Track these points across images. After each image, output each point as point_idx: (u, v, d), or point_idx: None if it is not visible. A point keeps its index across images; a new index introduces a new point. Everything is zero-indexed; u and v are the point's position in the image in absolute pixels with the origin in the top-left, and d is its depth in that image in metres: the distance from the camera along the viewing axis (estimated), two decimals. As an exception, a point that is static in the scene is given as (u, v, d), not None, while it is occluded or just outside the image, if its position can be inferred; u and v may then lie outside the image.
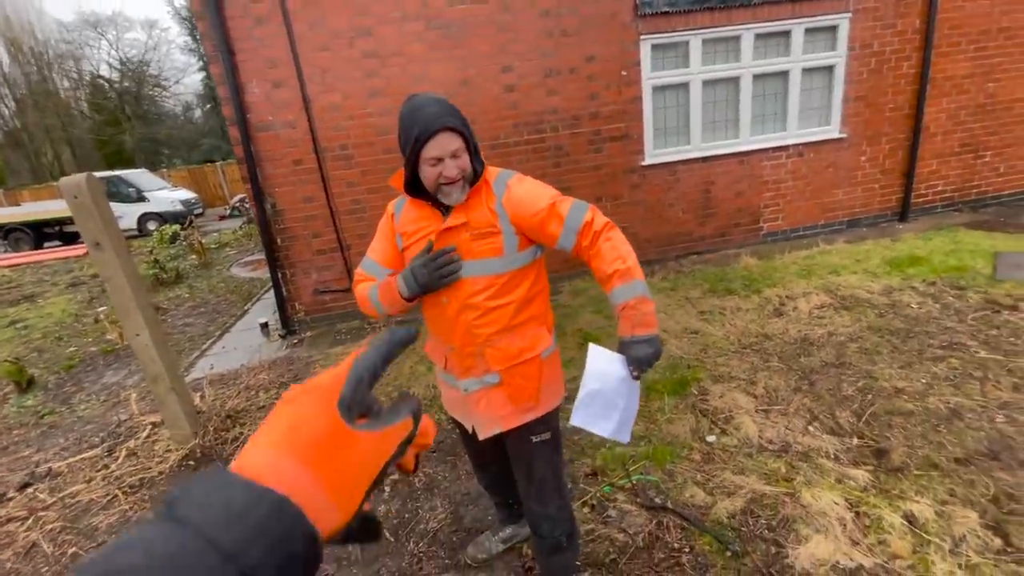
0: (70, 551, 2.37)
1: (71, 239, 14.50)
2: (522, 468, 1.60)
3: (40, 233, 14.32)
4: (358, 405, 0.37)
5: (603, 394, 1.36)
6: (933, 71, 5.31)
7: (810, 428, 2.55)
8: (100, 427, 3.56)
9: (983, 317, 3.38)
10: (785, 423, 2.60)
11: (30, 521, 2.60)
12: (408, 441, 0.39)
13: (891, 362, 3.02)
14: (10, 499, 2.82)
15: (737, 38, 4.98)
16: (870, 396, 2.73)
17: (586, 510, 2.22)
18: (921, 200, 5.83)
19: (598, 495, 2.30)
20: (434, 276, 1.34)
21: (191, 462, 2.91)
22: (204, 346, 4.91)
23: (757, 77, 5.15)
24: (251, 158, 4.37)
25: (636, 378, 1.35)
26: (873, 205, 5.79)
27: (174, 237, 10.30)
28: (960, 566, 1.74)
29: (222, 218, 16.31)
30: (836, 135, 5.42)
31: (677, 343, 3.58)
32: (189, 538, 0.26)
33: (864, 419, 2.56)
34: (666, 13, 4.70)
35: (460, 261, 1.36)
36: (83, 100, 32.23)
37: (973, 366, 2.87)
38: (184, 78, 33.51)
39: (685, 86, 5.06)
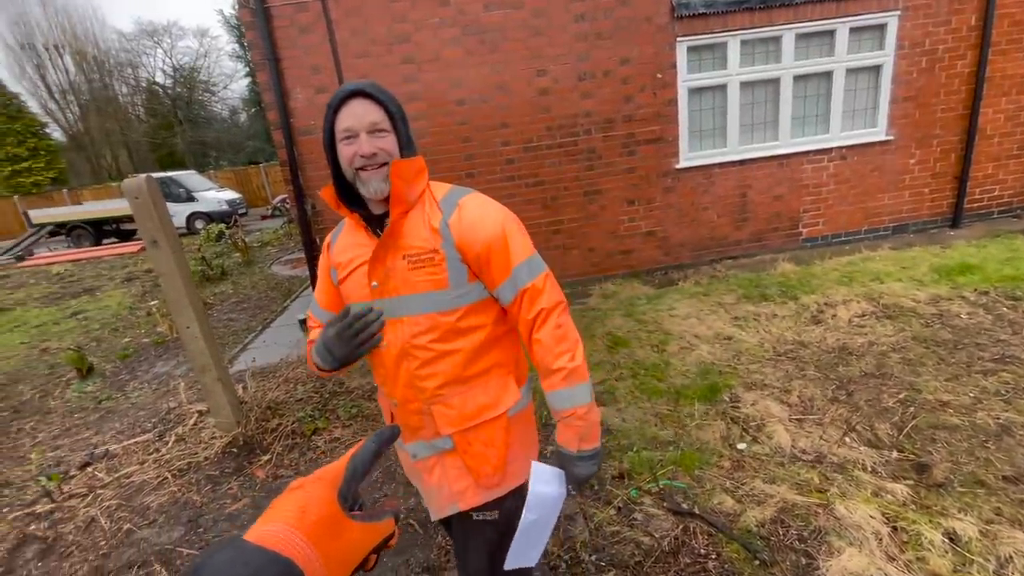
0: (125, 527, 2.54)
1: (127, 236, 15.38)
2: (458, 545, 1.32)
3: (99, 230, 15.24)
4: (351, 497, 0.45)
5: (540, 521, 1.13)
6: (990, 70, 5.05)
7: (847, 439, 2.48)
8: (151, 413, 3.79)
9: (1040, 330, 3.20)
10: (820, 433, 2.54)
11: (89, 498, 2.80)
12: (389, 538, 0.46)
13: (936, 374, 2.90)
14: (72, 477, 3.04)
15: (778, 38, 4.87)
16: (912, 409, 2.63)
17: (612, 511, 2.23)
18: (975, 205, 5.55)
19: (625, 498, 2.30)
20: (352, 346, 1.08)
21: (234, 449, 3.06)
22: (247, 340, 5.14)
23: (798, 78, 5.02)
24: (294, 161, 4.56)
25: (571, 494, 1.18)
26: (922, 210, 5.54)
27: (220, 235, 10.79)
28: (1005, 588, 1.67)
29: (264, 218, 16.95)
30: (883, 137, 5.22)
31: (709, 349, 3.53)
32: None
33: (905, 432, 2.47)
34: (703, 15, 4.64)
35: (381, 322, 1.10)
36: (140, 105, 34.11)
37: (1027, 381, 2.72)
38: (231, 83, 35.03)
39: (723, 88, 4.98)
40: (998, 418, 2.47)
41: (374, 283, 1.11)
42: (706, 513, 2.15)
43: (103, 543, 2.45)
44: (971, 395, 2.68)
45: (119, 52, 33.12)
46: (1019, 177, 5.53)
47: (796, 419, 2.69)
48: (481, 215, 1.10)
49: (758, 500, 2.17)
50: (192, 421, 3.47)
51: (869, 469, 2.26)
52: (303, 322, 5.16)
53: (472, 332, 1.12)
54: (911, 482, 2.16)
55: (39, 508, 2.77)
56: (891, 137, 5.22)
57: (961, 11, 4.93)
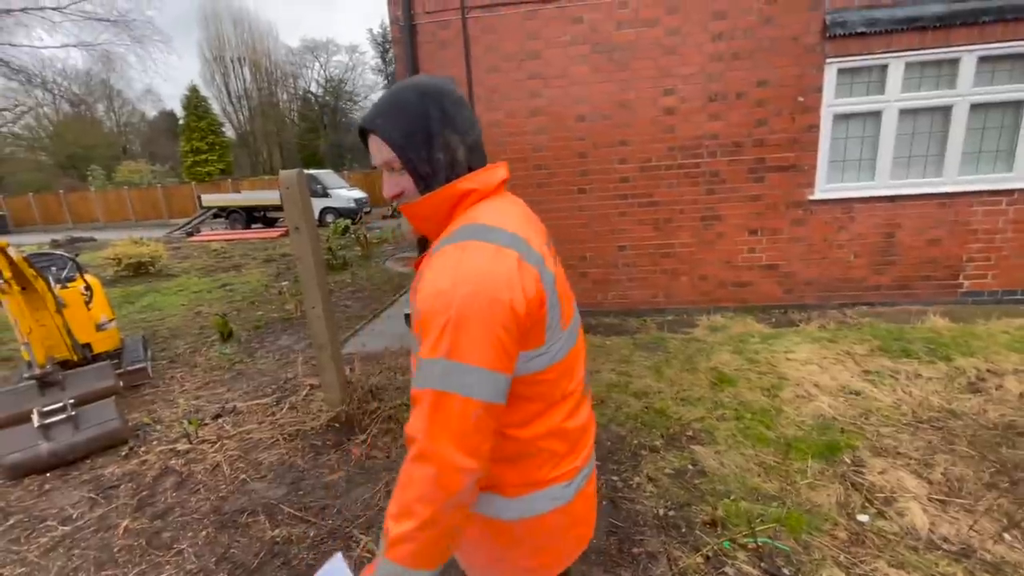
0: (241, 476, 2.85)
1: (271, 223, 17.56)
2: None
3: (250, 215, 17.59)
4: None
5: None
6: None
7: (1006, 536, 2.05)
8: (272, 380, 4.23)
9: None
10: (969, 522, 2.13)
11: (217, 445, 3.18)
12: None
13: None
14: (206, 424, 3.49)
15: (955, 61, 4.26)
16: (1106, 516, 2.11)
17: (699, 559, 2.05)
18: None
19: (715, 548, 2.11)
20: None
21: (336, 425, 3.31)
22: (358, 326, 5.57)
23: (977, 107, 4.34)
24: (419, 165, 4.87)
25: None
26: None
27: (345, 230, 11.88)
28: None
29: (385, 217, 18.39)
30: (1086, 181, 4.33)
31: (831, 401, 3.14)
32: None
33: (1094, 543, 1.98)
34: (862, 34, 4.21)
35: None
36: (295, 111, 39.00)
37: None
38: (371, 94, 38.76)
39: (876, 115, 4.46)
40: None
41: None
42: (813, 586, 1.90)
43: (223, 487, 2.77)
44: None
45: (285, 64, 38.26)
46: None
47: (938, 499, 2.28)
48: (429, 279, 0.78)
49: (881, 585, 1.87)
50: (304, 393, 3.82)
51: (1037, 579, 1.85)
52: (408, 316, 5.46)
53: None
54: (1099, 608, 1.73)
55: (179, 446, 3.21)
56: (1099, 182, 4.31)
57: None
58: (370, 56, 40.07)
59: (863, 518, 2.21)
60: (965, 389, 3.19)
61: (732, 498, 2.37)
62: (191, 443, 3.22)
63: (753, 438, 2.83)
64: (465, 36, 4.62)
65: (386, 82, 35.81)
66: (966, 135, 4.41)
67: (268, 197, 17.35)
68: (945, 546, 2.03)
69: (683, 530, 2.22)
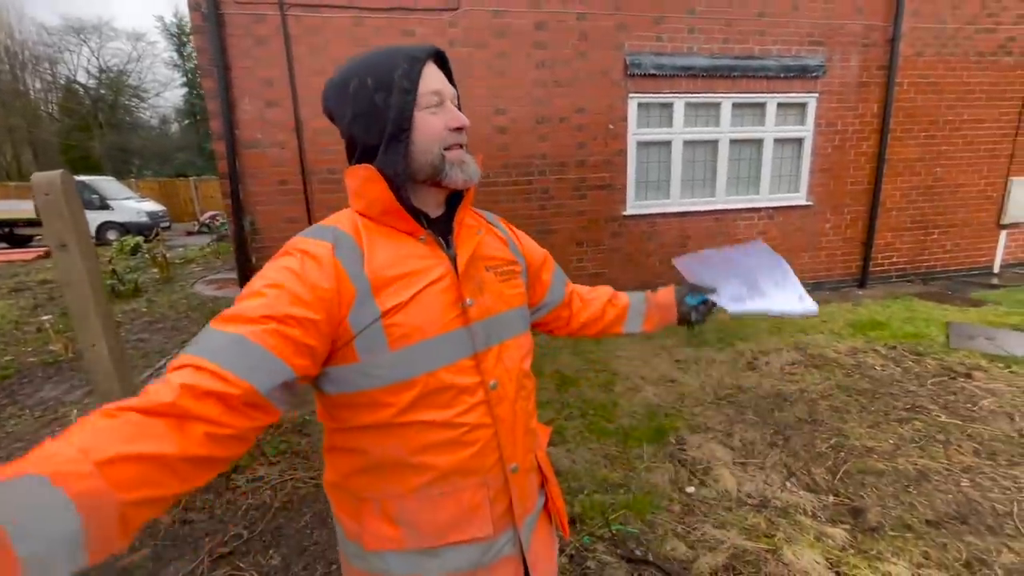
0: (-19, 586, 2.08)
1: (21, 242, 13.69)
2: None
3: (-14, 234, 13.46)
4: None
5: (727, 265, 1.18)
6: (889, 152, 5.78)
7: (787, 484, 2.56)
8: (30, 445, 3.23)
9: (941, 383, 3.54)
10: (763, 477, 2.60)
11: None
12: None
13: (860, 421, 3.10)
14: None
15: (718, 105, 5.31)
16: (843, 454, 2.78)
17: (563, 559, 2.13)
18: (878, 269, 6.20)
19: (576, 545, 2.21)
20: None
21: (134, 490, 2.65)
22: (159, 363, 4.62)
23: (734, 142, 5.47)
24: (235, 174, 4.28)
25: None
26: (835, 270, 6.10)
27: (136, 248, 9.87)
28: (939, 632, 1.73)
29: (190, 234, 15.80)
30: (804, 202, 5.76)
31: (655, 390, 3.58)
32: None
33: (839, 477, 2.58)
34: (653, 75, 4.99)
35: None
36: (54, 103, 31.30)
37: (935, 429, 2.97)
38: (165, 92, 33.23)
39: (668, 144, 5.32)
40: (915, 464, 2.66)
41: (468, 300, 0.82)
42: (660, 560, 2.10)
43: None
44: (891, 441, 2.87)
45: (37, 46, 30.50)
46: (912, 247, 6.28)
47: (740, 463, 2.75)
48: (525, 235, 1.13)
49: (710, 546, 2.15)
50: (83, 456, 2.99)
51: (810, 513, 2.33)
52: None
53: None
54: (848, 526, 2.24)
55: None
56: (810, 203, 5.77)
57: (867, 100, 5.64)
58: (162, 48, 34.27)
59: (690, 489, 2.55)
60: (745, 368, 3.94)
61: (586, 493, 2.52)
62: None
63: (597, 432, 3.07)
64: (286, 34, 4.22)
65: (185, 79, 31.06)
66: (728, 164, 5.52)
67: (14, 208, 13.50)
68: (750, 501, 2.44)
69: (545, 533, 2.28)
